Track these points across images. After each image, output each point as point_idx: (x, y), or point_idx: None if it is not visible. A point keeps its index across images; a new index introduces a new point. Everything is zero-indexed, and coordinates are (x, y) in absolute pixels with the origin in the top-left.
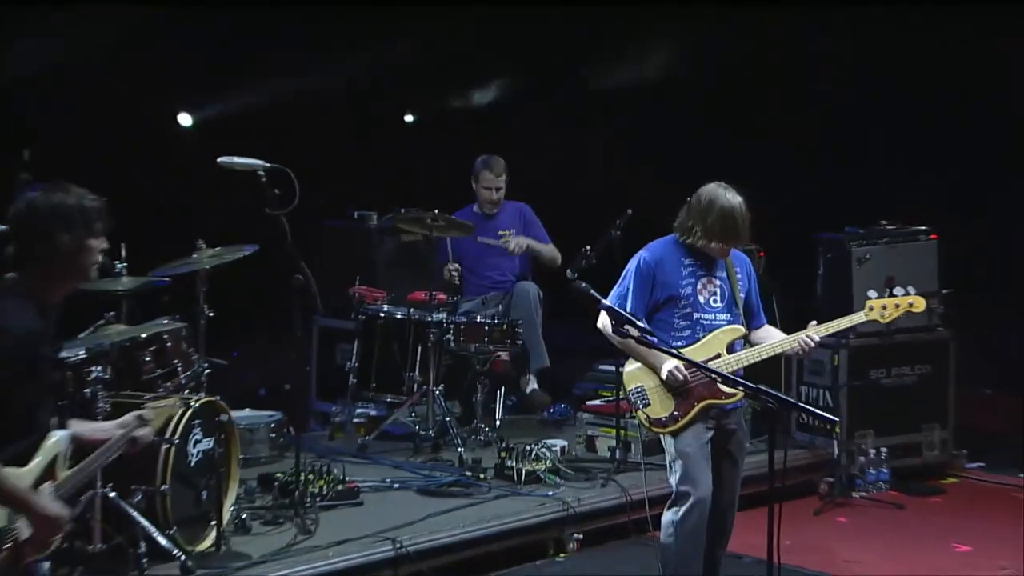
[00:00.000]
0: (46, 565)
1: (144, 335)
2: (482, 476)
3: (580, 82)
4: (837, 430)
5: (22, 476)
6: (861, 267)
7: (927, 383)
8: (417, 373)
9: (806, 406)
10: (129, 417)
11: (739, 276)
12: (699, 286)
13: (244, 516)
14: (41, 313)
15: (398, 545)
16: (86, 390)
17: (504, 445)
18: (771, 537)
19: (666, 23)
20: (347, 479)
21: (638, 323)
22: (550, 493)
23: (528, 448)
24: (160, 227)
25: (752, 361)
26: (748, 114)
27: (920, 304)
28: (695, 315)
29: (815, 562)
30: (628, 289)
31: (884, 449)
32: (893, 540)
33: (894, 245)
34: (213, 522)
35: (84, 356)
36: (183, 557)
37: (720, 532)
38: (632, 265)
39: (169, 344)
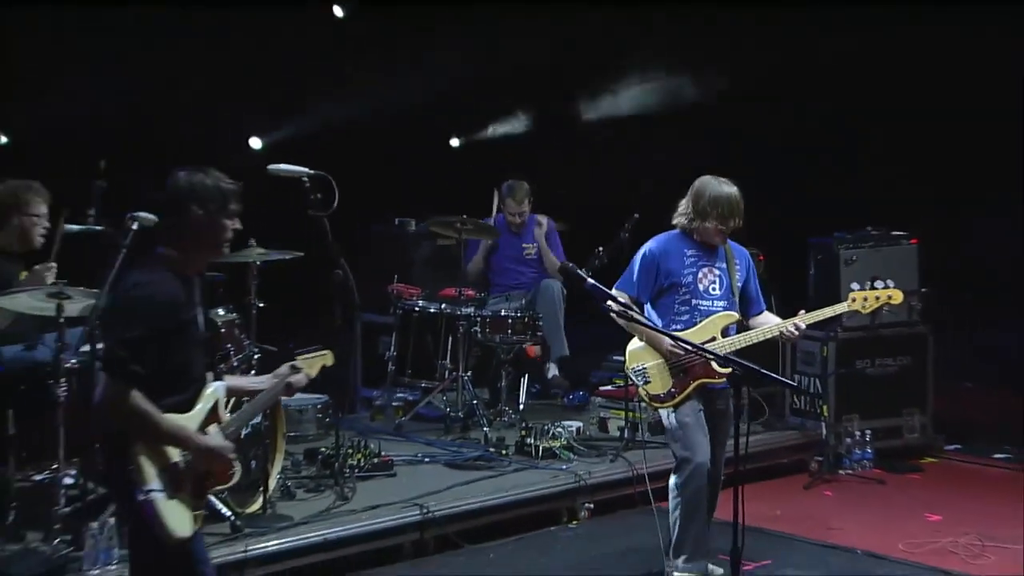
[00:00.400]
0: (111, 520)
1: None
2: (504, 452)
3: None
4: (825, 414)
5: (189, 420)
6: (848, 268)
7: (907, 373)
8: (448, 361)
9: (771, 374)
10: (284, 368)
11: (738, 267)
12: (700, 275)
13: (289, 484)
14: (182, 282)
15: (425, 510)
16: None
17: (525, 425)
18: (736, 498)
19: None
20: (383, 453)
21: (619, 299)
22: (564, 467)
23: (546, 427)
24: None
25: (744, 345)
26: (749, 127)
27: (898, 297)
28: (694, 301)
29: (802, 529)
30: (634, 276)
31: (868, 431)
32: (873, 511)
33: (878, 248)
34: (261, 488)
35: None
36: (233, 517)
37: (710, 496)
38: (639, 255)
39: (223, 331)
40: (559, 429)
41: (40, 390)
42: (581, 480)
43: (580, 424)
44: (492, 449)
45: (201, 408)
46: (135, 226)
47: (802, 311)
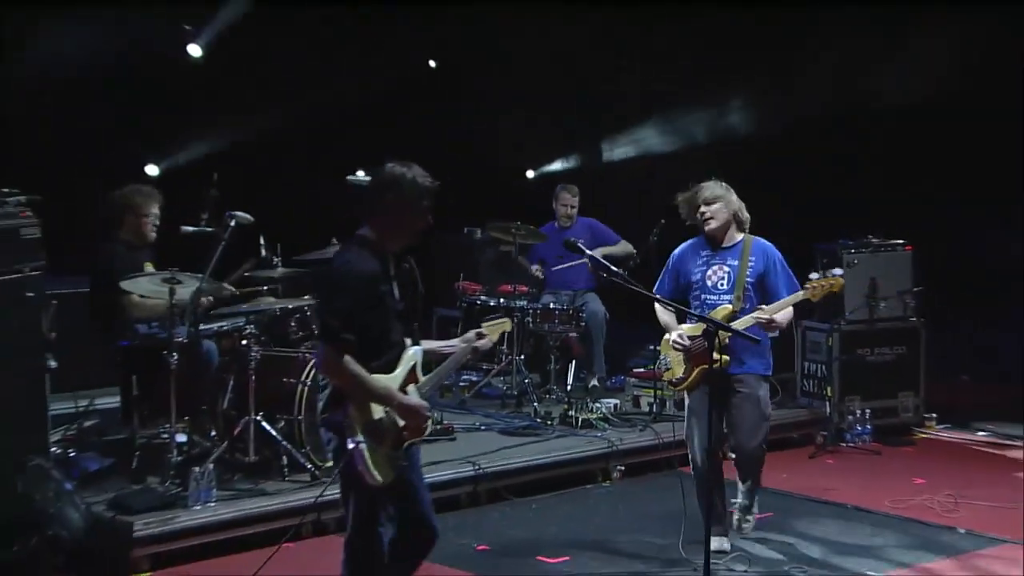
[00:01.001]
0: (211, 467)
1: (291, 306)
2: (549, 422)
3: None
4: (830, 395)
5: (391, 381)
6: (850, 271)
7: (903, 360)
8: (505, 347)
9: (736, 328)
10: (470, 333)
11: (752, 262)
12: (708, 272)
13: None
14: (379, 260)
15: (477, 467)
16: (243, 342)
17: (568, 401)
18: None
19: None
20: (445, 421)
21: (614, 269)
22: (599, 435)
23: (587, 403)
24: (304, 231)
25: (730, 333)
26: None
27: (838, 284)
28: (702, 296)
29: (803, 489)
30: (661, 278)
31: (867, 411)
32: (867, 475)
33: (877, 254)
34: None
35: (244, 320)
36: (313, 468)
37: (740, 465)
38: (669, 259)
39: (308, 315)
40: (597, 404)
41: (157, 360)
42: (613, 446)
43: (617, 401)
44: (539, 420)
45: (401, 370)
46: (232, 223)
47: (761, 306)
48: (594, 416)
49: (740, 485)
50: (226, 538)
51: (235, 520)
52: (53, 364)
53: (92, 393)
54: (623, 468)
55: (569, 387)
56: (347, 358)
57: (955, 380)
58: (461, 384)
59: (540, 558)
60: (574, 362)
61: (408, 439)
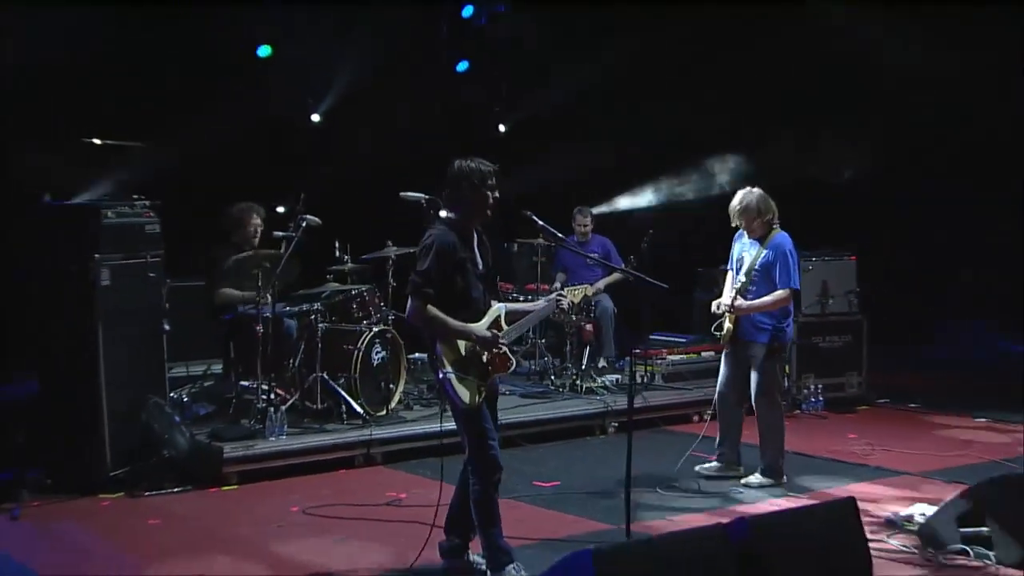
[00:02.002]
0: (283, 410)
1: (353, 292)
2: (559, 389)
3: None
4: (788, 371)
5: (477, 328)
6: (805, 276)
7: (848, 346)
8: (530, 332)
9: (647, 278)
10: (553, 295)
11: (764, 254)
12: (742, 255)
13: (408, 401)
14: (460, 235)
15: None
16: (312, 318)
17: (576, 373)
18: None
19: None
20: None
21: (559, 236)
22: (598, 398)
23: (591, 375)
24: (367, 236)
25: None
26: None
27: (581, 293)
28: (735, 276)
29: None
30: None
31: (820, 386)
32: (813, 433)
33: (828, 262)
34: (387, 400)
35: (317, 303)
36: (364, 414)
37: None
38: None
39: (367, 298)
40: (601, 378)
41: (249, 332)
42: (608, 406)
43: (619, 376)
44: (552, 387)
45: (486, 320)
46: (304, 224)
47: (739, 299)
48: (596, 385)
49: None
50: (295, 463)
51: (300, 449)
52: (167, 327)
53: (204, 363)
54: (616, 425)
55: (583, 367)
56: (429, 307)
57: (894, 364)
58: None
59: (536, 483)
60: (588, 348)
61: (494, 372)
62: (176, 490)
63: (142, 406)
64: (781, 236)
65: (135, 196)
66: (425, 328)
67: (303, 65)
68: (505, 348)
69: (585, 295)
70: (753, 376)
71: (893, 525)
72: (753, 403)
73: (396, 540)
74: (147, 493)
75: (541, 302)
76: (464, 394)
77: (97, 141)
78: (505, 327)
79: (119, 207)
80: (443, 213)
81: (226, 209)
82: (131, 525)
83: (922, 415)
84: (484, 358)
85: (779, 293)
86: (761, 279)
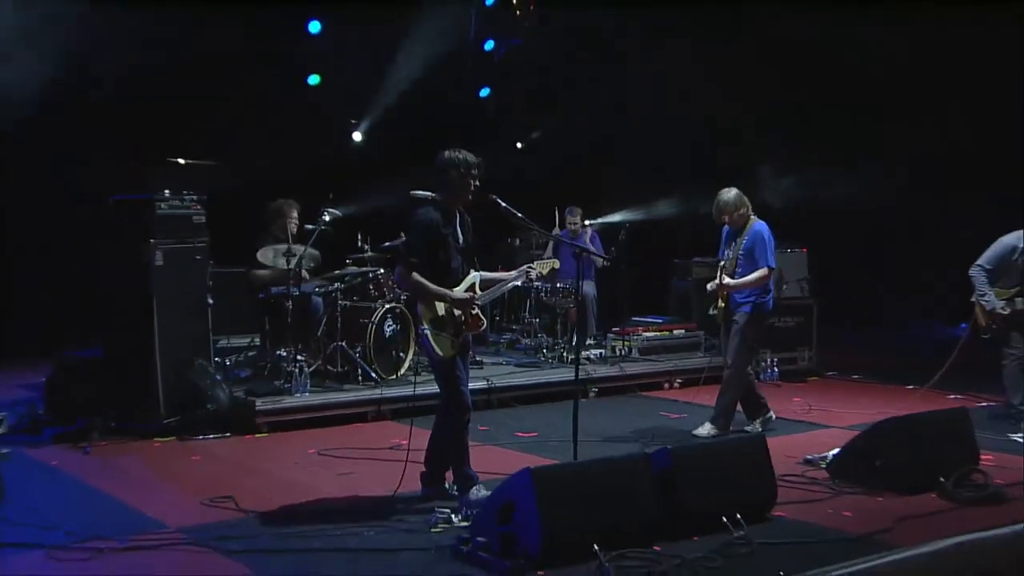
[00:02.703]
0: (307, 371)
1: (369, 274)
2: (548, 360)
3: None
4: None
5: (456, 291)
6: None
7: (800, 326)
8: (527, 314)
9: (592, 250)
10: (523, 267)
11: (744, 240)
12: (730, 244)
13: (417, 368)
14: (444, 214)
15: (490, 383)
16: (334, 295)
17: (563, 346)
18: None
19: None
20: (477, 358)
21: (519, 215)
22: (582, 367)
23: (575, 349)
24: (384, 228)
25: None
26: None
27: (548, 266)
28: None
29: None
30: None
31: (775, 359)
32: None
33: (784, 252)
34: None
35: (339, 284)
36: (376, 377)
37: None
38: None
39: (381, 280)
40: (586, 351)
41: (281, 308)
42: (590, 374)
43: (602, 351)
44: (542, 358)
45: (463, 287)
46: (326, 217)
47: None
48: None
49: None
50: (316, 416)
51: (321, 404)
52: (211, 301)
53: (247, 336)
54: (597, 390)
55: (572, 344)
56: (414, 273)
57: (845, 344)
58: (501, 341)
59: (517, 433)
60: (575, 329)
61: (467, 330)
62: (217, 436)
63: (189, 367)
64: (759, 224)
65: (184, 192)
66: (410, 291)
67: (350, 91)
68: (478, 309)
69: (553, 268)
70: (732, 339)
71: (810, 463)
72: (727, 359)
73: (392, 475)
74: (193, 438)
75: (513, 273)
76: (440, 347)
77: (181, 161)
78: (479, 292)
79: (171, 199)
80: (433, 195)
81: (267, 204)
82: (178, 461)
83: (863, 385)
84: (461, 317)
85: (760, 271)
86: (745, 261)
